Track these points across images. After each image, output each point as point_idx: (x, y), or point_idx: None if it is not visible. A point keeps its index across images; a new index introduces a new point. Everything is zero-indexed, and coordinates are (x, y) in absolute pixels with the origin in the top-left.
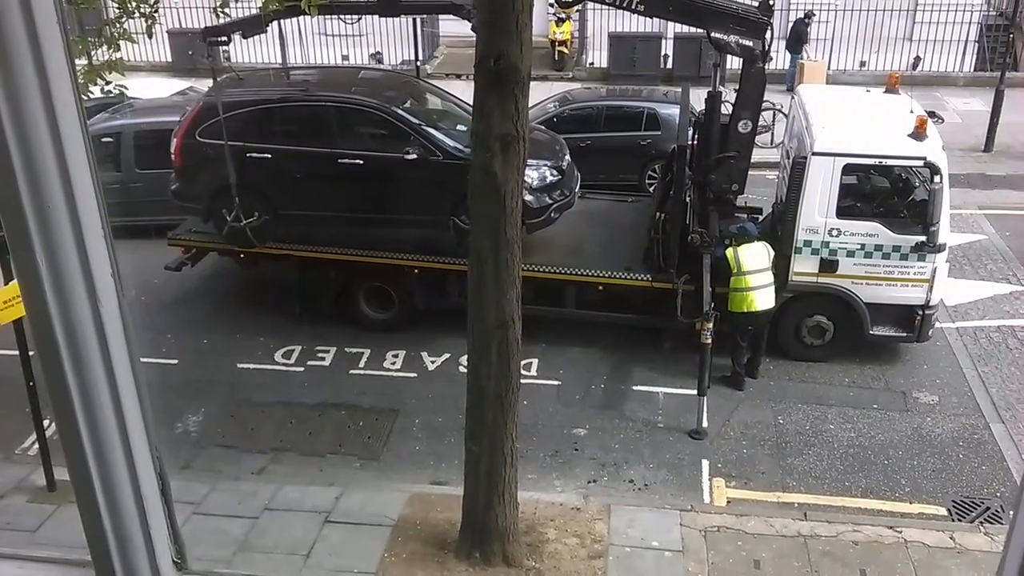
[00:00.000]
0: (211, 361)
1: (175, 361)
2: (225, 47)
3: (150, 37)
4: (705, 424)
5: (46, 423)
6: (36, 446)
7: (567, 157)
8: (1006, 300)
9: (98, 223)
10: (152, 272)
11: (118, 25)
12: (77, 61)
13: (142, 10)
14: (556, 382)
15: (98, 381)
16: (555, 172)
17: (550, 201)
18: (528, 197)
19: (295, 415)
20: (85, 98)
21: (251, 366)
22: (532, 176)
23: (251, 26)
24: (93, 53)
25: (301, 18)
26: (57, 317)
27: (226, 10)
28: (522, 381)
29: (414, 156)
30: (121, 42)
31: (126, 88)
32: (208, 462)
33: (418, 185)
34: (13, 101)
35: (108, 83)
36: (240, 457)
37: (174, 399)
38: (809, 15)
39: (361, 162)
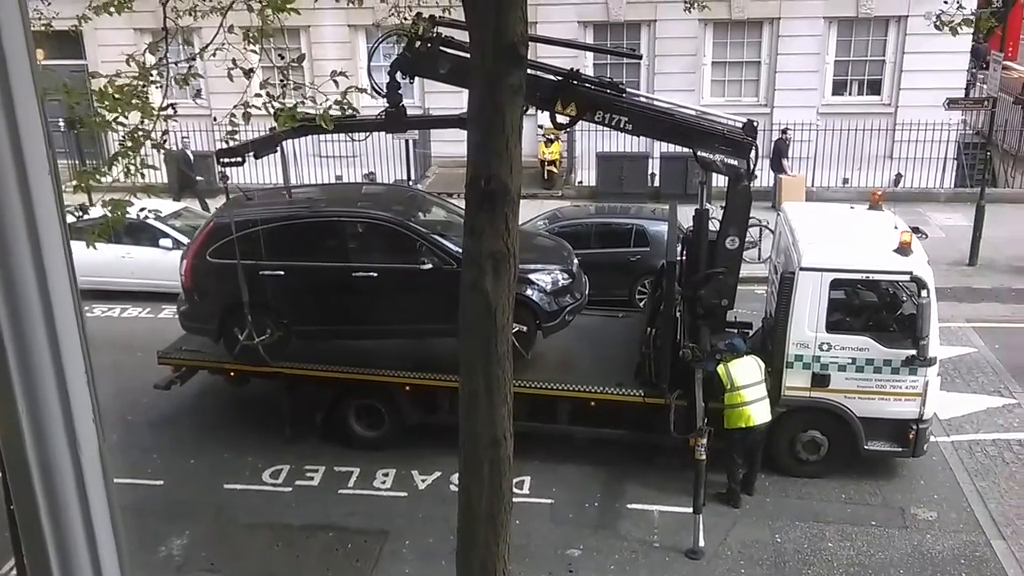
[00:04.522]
0: (197, 482)
1: (160, 482)
2: (238, 167)
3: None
4: (702, 543)
5: None
6: (14, 572)
7: (575, 261)
8: (999, 413)
9: (82, 368)
10: (141, 390)
11: (133, 155)
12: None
13: (151, 139)
14: (549, 500)
15: (76, 534)
16: (566, 276)
17: (563, 304)
18: (543, 301)
19: (282, 538)
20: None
21: (238, 487)
22: (545, 280)
23: (263, 146)
24: (110, 179)
25: (297, 139)
26: (35, 464)
27: (235, 137)
28: (514, 499)
29: (430, 266)
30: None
31: (160, 211)
32: None
33: (434, 294)
34: None
35: (142, 209)
36: None
37: (157, 522)
38: (784, 131)
39: (375, 275)
